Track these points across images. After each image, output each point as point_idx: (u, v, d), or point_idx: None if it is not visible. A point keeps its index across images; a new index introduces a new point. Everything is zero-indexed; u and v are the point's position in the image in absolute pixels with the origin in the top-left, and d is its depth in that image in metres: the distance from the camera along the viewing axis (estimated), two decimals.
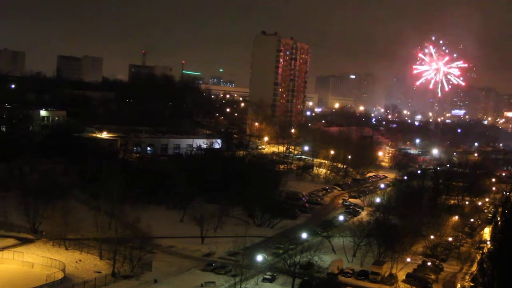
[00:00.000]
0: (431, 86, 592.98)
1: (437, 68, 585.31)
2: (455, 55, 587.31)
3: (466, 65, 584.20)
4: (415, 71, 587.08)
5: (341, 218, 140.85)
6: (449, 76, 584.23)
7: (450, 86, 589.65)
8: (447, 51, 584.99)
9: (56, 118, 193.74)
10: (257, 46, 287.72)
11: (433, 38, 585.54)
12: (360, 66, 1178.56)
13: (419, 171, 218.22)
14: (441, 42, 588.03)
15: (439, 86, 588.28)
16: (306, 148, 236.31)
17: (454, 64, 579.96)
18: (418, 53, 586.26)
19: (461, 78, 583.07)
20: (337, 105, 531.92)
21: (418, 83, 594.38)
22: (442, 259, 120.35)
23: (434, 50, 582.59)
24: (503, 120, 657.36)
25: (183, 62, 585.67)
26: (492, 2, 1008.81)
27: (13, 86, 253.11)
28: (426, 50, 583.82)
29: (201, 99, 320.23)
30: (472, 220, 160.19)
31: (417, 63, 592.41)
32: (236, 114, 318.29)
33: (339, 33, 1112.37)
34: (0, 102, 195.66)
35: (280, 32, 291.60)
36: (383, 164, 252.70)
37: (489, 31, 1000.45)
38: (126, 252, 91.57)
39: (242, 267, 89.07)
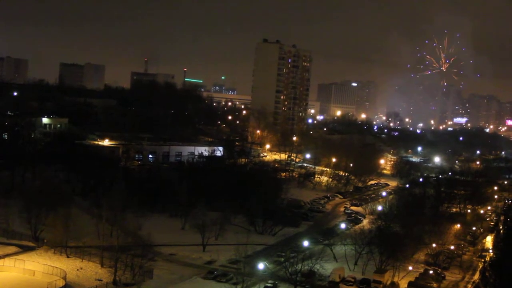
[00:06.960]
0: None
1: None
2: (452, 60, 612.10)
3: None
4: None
5: (342, 226, 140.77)
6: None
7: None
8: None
9: (58, 126, 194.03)
10: (259, 53, 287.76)
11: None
12: (362, 74, 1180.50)
13: (421, 179, 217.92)
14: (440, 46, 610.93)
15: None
16: (308, 155, 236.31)
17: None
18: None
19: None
20: (339, 113, 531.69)
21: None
22: (444, 268, 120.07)
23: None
24: (505, 128, 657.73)
25: (185, 69, 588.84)
26: (495, 10, 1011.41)
27: (15, 93, 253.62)
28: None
29: (203, 106, 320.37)
30: (474, 228, 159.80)
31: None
32: (238, 122, 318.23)
33: (341, 41, 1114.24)
34: (2, 109, 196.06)
35: (282, 40, 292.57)
36: (385, 172, 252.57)
37: (491, 39, 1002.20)
38: (127, 260, 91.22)
39: (244, 275, 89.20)
